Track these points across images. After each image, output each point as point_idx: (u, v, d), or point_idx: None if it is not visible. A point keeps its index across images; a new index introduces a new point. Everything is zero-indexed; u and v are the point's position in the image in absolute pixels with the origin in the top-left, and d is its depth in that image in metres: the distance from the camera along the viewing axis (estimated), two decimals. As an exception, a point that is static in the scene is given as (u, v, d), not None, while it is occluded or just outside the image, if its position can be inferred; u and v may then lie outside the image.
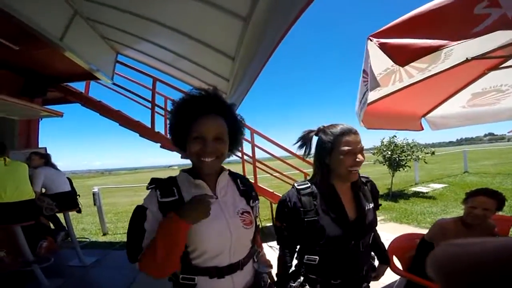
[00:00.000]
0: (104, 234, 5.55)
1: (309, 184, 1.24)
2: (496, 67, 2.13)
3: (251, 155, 4.83)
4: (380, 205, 1.39)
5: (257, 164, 5.00)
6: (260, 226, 1.19)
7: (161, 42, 3.00)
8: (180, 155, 3.87)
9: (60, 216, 3.66)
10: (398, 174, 8.08)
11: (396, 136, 7.98)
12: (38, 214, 3.09)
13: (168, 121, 1.02)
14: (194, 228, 0.86)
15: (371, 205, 1.25)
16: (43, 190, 3.35)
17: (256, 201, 1.11)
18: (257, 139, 4.90)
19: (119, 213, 8.35)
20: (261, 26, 1.84)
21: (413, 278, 1.80)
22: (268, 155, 5.05)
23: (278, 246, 1.31)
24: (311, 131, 1.27)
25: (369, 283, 1.33)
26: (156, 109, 4.57)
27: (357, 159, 1.12)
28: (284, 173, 5.38)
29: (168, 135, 1.03)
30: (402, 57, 1.08)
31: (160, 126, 4.50)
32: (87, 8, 2.65)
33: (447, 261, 0.21)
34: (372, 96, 2.13)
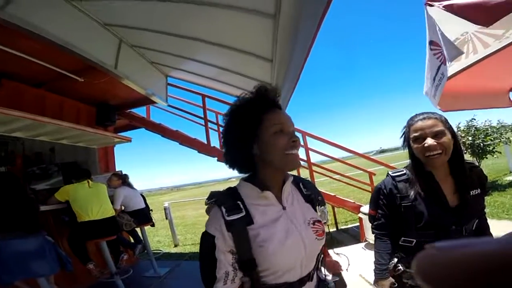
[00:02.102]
0: (176, 246, 5.95)
1: (405, 171, 1.24)
2: None
3: (305, 159, 4.65)
4: (489, 191, 1.23)
5: (314, 168, 4.79)
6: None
7: (203, 59, 3.14)
8: None
9: (138, 230, 4.03)
10: (485, 163, 6.85)
11: (475, 119, 6.86)
12: (119, 230, 3.46)
13: (222, 133, 0.96)
14: (267, 246, 0.79)
15: (477, 191, 1.17)
16: (123, 208, 3.76)
17: (323, 206, 1.02)
18: (311, 141, 4.72)
19: (187, 225, 8.95)
20: (292, 20, 1.76)
21: None
22: (324, 158, 4.81)
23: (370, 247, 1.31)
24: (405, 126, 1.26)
25: None
26: (210, 124, 4.77)
27: (425, 144, 1.07)
28: (345, 175, 5.03)
29: (224, 146, 0.94)
30: (484, 16, 0.90)
31: (215, 141, 4.69)
32: (130, 36, 2.90)
33: (427, 267, 0.20)
34: (449, 71, 1.88)
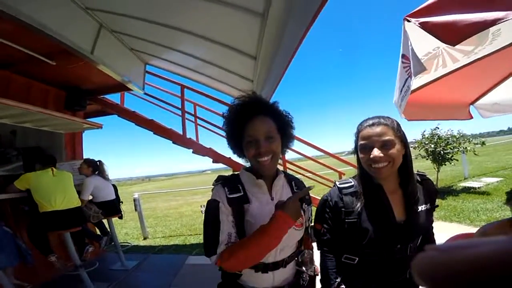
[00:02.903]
0: (145, 238, 5.80)
1: (353, 183, 1.15)
2: None
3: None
4: (437, 206, 1.20)
5: (288, 165, 4.89)
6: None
7: (185, 49, 3.06)
8: (211, 159, 3.90)
9: (105, 222, 3.87)
10: (444, 169, 7.43)
11: (438, 128, 7.35)
12: (84, 221, 3.28)
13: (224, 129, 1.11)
14: (253, 222, 0.95)
15: (425, 206, 1.11)
16: (91, 198, 3.56)
17: (309, 205, 1.17)
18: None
19: (158, 217, 8.74)
20: (280, 21, 1.77)
21: None
22: (299, 156, 4.92)
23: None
24: None
25: (415, 286, 1.16)
26: (187, 115, 4.67)
27: (371, 155, 1.00)
28: (317, 173, 5.19)
29: (227, 144, 1.11)
30: (452, 35, 0.94)
31: (192, 132, 4.61)
32: (111, 21, 2.76)
33: (425, 266, 0.20)
34: (414, 84, 1.97)
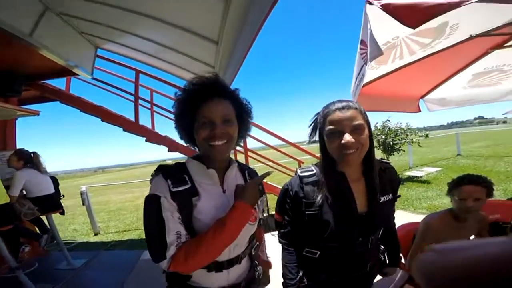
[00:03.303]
0: (96, 234, 5.41)
1: (314, 171, 1.07)
2: (500, 46, 2.01)
3: (242, 144, 4.70)
4: (399, 196, 1.16)
5: (250, 153, 4.90)
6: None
7: (142, 33, 2.83)
8: (167, 148, 3.70)
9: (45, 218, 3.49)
10: (392, 159, 8.06)
11: (389, 120, 7.99)
12: (14, 219, 2.90)
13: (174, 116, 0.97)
14: (201, 219, 0.85)
15: (388, 197, 1.06)
16: (24, 193, 3.16)
17: (263, 196, 1.07)
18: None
19: (111, 211, 8.22)
20: (244, 5, 1.70)
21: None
22: (261, 145, 4.95)
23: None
24: (318, 113, 1.08)
25: (373, 279, 1.20)
26: (142, 102, 4.40)
27: (343, 140, 0.92)
28: (277, 162, 5.27)
29: (175, 129, 0.97)
30: (413, 17, 0.93)
31: (146, 120, 4.34)
32: (59, 3, 2.46)
33: (427, 270, 0.20)
34: (370, 75, 2.00)
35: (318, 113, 1.07)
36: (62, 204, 3.55)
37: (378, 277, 1.27)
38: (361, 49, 1.30)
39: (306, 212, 1.03)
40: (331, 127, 0.96)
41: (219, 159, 0.92)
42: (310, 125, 1.10)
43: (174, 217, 0.82)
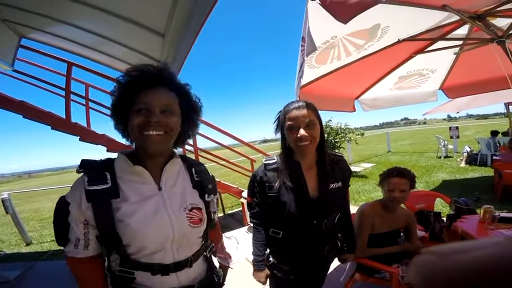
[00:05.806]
0: (28, 244, 4.80)
1: (276, 160, 1.25)
2: (421, 51, 2.23)
3: (191, 143, 4.56)
4: (350, 185, 1.40)
5: (202, 153, 4.83)
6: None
7: (77, 22, 2.57)
8: (105, 148, 3.36)
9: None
10: (333, 156, 8.86)
11: (331, 120, 8.77)
12: None
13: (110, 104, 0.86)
14: (127, 222, 0.77)
15: (338, 184, 1.23)
16: None
17: (213, 195, 1.00)
18: (202, 127, 4.69)
19: (44, 219, 7.29)
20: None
21: (363, 261, 1.73)
22: (214, 144, 4.91)
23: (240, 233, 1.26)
24: (280, 111, 1.25)
25: (330, 263, 1.36)
26: (76, 98, 3.97)
27: (298, 134, 1.11)
28: (230, 161, 5.32)
29: (111, 118, 0.86)
30: (344, 11, 0.98)
31: (80, 117, 3.93)
32: None
33: (427, 273, 0.20)
34: (312, 74, 2.09)
35: (280, 111, 1.23)
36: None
37: (336, 263, 1.45)
38: (301, 46, 1.35)
39: (268, 194, 1.20)
40: (289, 123, 1.14)
41: (153, 152, 0.82)
42: (275, 121, 1.26)
43: (78, 228, 0.80)
